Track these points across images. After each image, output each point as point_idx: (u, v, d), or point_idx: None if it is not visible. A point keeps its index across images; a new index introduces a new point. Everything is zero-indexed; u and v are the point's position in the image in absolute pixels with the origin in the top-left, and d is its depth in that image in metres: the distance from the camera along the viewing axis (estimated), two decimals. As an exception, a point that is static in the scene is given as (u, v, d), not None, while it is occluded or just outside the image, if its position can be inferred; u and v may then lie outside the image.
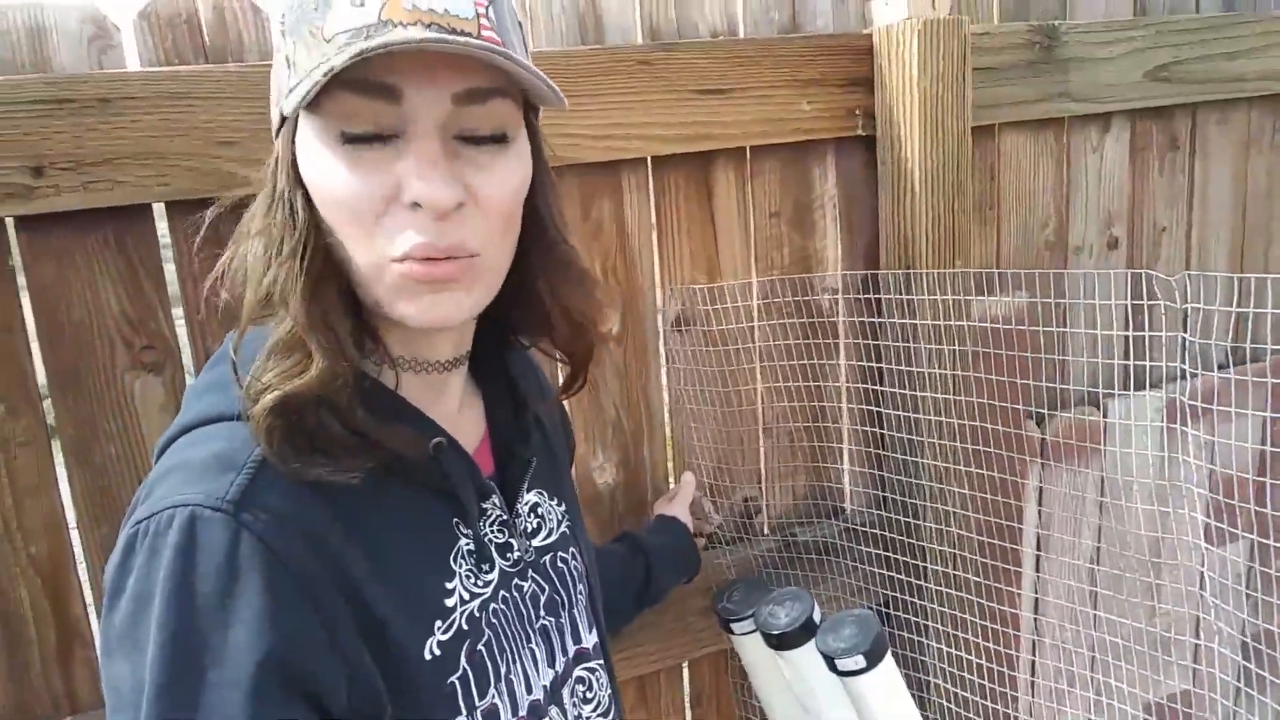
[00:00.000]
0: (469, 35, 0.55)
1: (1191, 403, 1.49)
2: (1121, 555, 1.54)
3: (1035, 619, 1.59)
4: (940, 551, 1.45)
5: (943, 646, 1.44)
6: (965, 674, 1.42)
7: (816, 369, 1.49)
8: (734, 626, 1.31)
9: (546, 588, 0.72)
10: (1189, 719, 1.57)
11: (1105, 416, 1.62)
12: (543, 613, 0.72)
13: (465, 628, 0.63)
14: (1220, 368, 1.71)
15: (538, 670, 0.69)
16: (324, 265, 0.58)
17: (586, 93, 1.24)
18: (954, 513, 1.44)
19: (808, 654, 1.20)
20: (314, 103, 0.55)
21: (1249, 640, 1.46)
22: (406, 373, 0.65)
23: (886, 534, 1.47)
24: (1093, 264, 1.67)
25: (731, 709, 1.53)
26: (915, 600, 1.45)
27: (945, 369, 1.41)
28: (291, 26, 0.57)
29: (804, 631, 1.19)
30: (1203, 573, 1.58)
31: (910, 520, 1.46)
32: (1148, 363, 1.64)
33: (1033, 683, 1.63)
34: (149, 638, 0.51)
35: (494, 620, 0.66)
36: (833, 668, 1.16)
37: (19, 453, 1.08)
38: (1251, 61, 1.68)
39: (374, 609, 0.57)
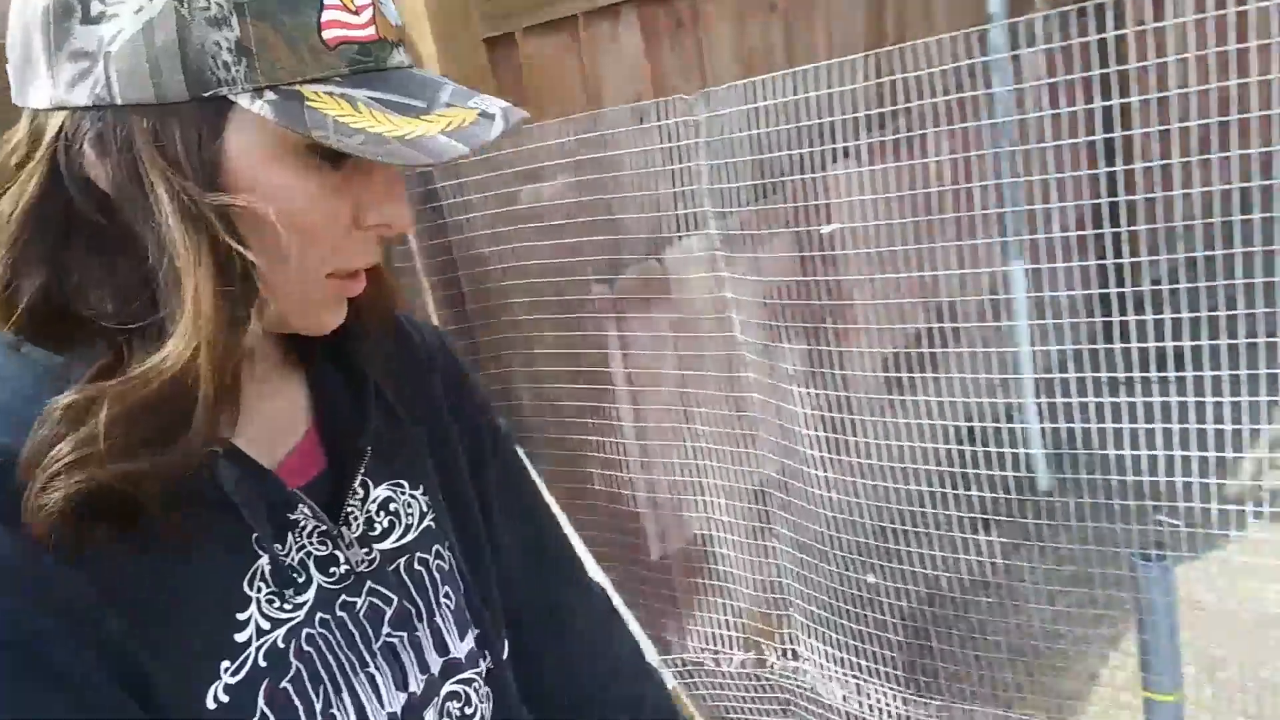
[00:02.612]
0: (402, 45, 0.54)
1: (733, 231, 1.79)
2: (701, 377, 1.83)
3: (642, 445, 1.86)
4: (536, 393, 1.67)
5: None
6: (587, 502, 1.66)
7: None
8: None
9: (395, 598, 0.62)
10: (777, 499, 1.92)
11: (665, 267, 1.89)
12: (387, 629, 0.61)
13: (263, 664, 0.54)
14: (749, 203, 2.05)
15: (380, 697, 0.60)
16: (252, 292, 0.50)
17: None
18: (544, 370, 1.66)
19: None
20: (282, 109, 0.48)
21: (808, 431, 1.81)
22: None
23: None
24: (630, 140, 1.92)
25: None
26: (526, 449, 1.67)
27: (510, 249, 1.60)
28: (256, 6, 0.47)
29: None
30: (755, 377, 1.91)
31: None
32: (678, 211, 1.93)
33: (647, 480, 1.90)
34: None
35: (307, 648, 0.57)
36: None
37: None
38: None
39: (133, 663, 0.49)
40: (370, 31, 0.50)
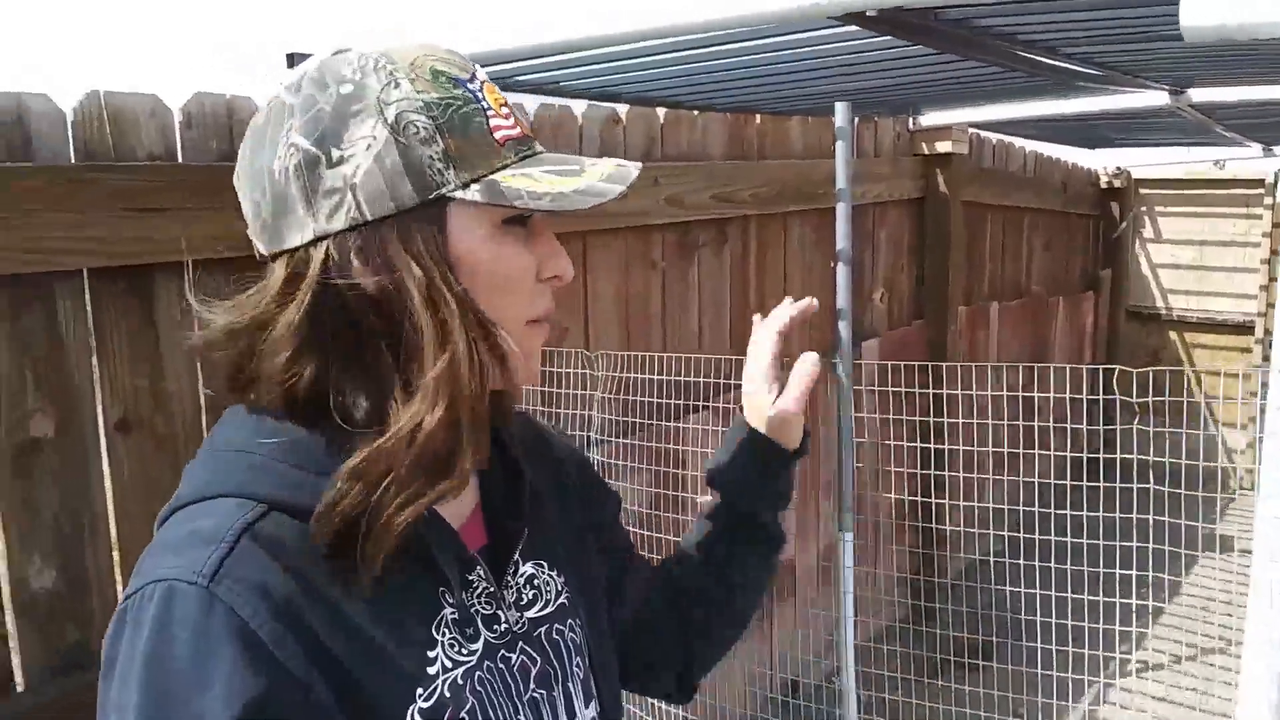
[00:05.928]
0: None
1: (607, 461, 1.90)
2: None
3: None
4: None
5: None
6: None
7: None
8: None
9: (539, 659, 0.72)
10: None
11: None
12: (533, 685, 0.71)
13: (447, 695, 0.65)
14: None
15: None
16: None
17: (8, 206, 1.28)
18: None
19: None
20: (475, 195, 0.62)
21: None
22: None
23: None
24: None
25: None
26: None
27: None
28: (449, 124, 0.62)
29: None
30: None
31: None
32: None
33: None
34: (131, 705, 0.55)
35: (479, 689, 0.66)
36: None
37: None
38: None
39: (352, 676, 0.60)
40: (520, 130, 0.66)
